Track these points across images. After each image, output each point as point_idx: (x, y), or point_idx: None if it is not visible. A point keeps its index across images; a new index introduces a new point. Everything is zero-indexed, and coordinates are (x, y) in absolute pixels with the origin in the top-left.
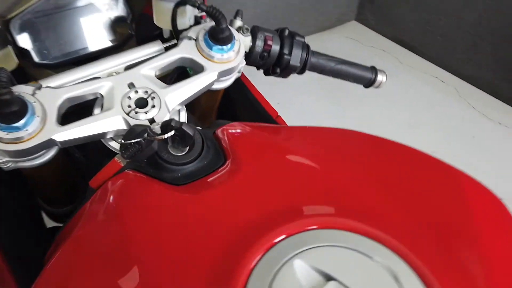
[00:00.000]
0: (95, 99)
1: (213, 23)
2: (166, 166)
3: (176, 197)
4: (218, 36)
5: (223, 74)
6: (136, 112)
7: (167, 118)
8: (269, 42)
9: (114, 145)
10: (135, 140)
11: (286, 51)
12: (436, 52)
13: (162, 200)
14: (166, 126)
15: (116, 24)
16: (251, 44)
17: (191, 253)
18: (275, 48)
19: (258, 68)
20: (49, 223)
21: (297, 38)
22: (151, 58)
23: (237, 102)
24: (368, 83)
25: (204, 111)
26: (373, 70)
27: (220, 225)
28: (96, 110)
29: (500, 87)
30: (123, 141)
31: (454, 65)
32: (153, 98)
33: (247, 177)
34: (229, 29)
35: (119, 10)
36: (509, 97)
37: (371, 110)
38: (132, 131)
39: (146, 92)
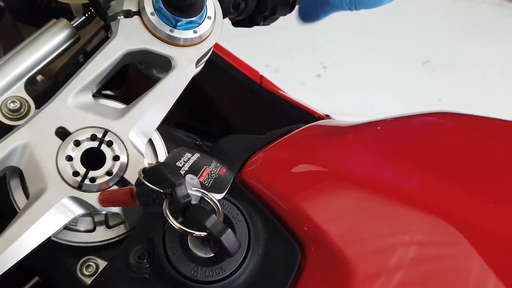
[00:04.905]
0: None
1: None
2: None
3: None
4: (183, 3)
5: (202, 58)
6: (93, 180)
7: (142, 165)
8: None
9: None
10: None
11: None
12: None
13: None
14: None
15: None
16: None
17: None
18: None
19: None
20: None
21: None
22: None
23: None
24: None
25: None
26: None
27: None
28: (18, 199)
29: None
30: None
31: None
32: (109, 143)
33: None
34: None
35: None
36: None
37: None
38: (166, 169)
39: (95, 136)
